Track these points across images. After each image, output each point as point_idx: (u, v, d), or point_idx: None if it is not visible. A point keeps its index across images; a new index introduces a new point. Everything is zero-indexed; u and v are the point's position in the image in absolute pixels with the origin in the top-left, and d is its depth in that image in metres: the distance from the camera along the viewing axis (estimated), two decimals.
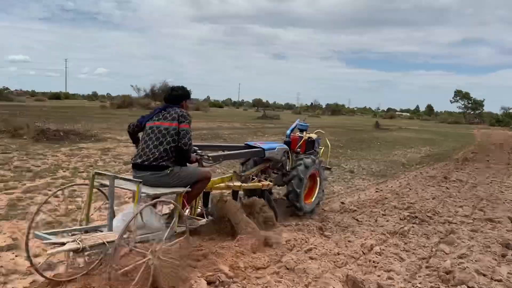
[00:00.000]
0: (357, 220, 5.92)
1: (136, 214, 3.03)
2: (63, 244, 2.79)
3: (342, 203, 6.87)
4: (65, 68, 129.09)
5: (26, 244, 3.09)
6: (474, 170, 12.09)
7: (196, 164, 4.09)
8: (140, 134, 4.08)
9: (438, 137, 27.51)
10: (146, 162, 3.77)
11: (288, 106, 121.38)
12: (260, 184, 5.27)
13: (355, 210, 6.48)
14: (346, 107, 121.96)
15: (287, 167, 5.75)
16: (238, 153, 5.24)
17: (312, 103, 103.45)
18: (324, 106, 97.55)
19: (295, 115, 59.50)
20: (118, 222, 3.25)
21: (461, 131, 39.63)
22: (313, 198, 6.00)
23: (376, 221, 5.93)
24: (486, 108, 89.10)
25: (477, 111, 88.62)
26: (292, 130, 6.29)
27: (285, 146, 5.83)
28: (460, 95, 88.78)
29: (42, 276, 3.15)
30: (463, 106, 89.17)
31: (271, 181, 5.51)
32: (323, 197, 6.33)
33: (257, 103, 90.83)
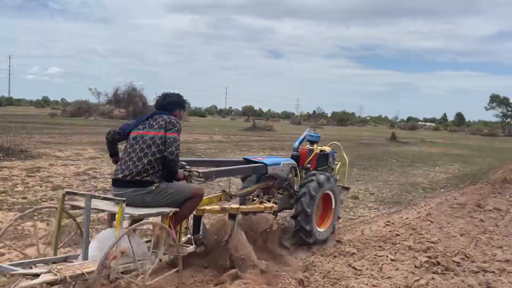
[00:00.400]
0: (354, 268, 5.31)
1: (120, 238, 3.18)
2: (36, 275, 2.90)
3: (338, 241, 6.45)
4: (9, 67, 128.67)
5: None
6: None
7: (184, 181, 4.30)
8: (121, 146, 4.28)
9: (470, 152, 27.69)
10: (128, 177, 3.93)
11: (286, 115, 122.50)
12: (262, 206, 5.37)
13: (354, 254, 5.95)
14: (357, 116, 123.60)
15: (295, 186, 5.90)
16: (234, 169, 5.29)
17: (314, 111, 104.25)
18: (329, 115, 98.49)
19: (293, 126, 60.23)
20: (94, 251, 3.41)
21: (498, 145, 39.87)
22: (327, 224, 6.13)
23: (381, 270, 5.31)
24: None
25: None
26: (300, 142, 6.43)
27: (292, 161, 5.99)
28: (497, 100, 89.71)
29: None
30: (501, 114, 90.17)
31: (275, 203, 5.65)
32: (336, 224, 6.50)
33: (248, 111, 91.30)
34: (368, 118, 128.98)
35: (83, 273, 3.05)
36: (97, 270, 3.02)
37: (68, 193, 3.78)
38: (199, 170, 4.54)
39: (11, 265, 3.25)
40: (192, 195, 4.13)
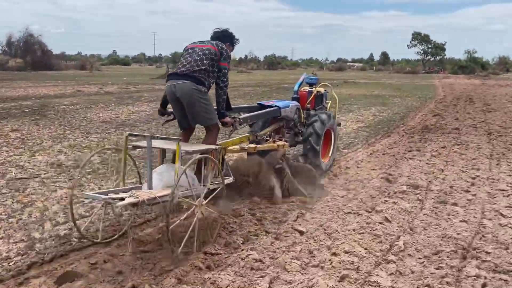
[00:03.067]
0: None
1: (185, 169, 3.71)
2: (122, 199, 3.56)
3: None
4: None
5: (71, 207, 3.93)
6: (438, 149, 8.57)
7: (230, 128, 5.02)
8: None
9: (391, 92, 25.45)
10: (185, 71, 4.52)
11: None
12: (275, 144, 5.87)
13: None
14: (289, 59, 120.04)
15: (298, 125, 6.42)
16: (261, 113, 5.79)
17: (246, 56, 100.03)
18: (262, 60, 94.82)
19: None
20: (155, 181, 3.98)
21: (420, 82, 38.40)
22: (329, 156, 6.97)
23: None
24: (449, 53, 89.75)
25: (438, 57, 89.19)
26: (300, 85, 7.01)
27: (297, 103, 6.52)
28: (418, 38, 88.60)
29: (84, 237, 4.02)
30: (422, 51, 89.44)
31: (286, 141, 6.13)
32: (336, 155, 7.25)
33: (175, 58, 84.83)
34: (299, 61, 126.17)
35: (155, 197, 3.68)
36: (171, 192, 3.56)
37: (131, 135, 4.32)
38: (240, 117, 5.15)
39: (95, 193, 3.91)
40: (215, 125, 4.70)
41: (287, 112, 6.14)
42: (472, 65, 66.13)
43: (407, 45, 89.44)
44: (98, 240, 4.02)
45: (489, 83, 36.22)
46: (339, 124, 7.59)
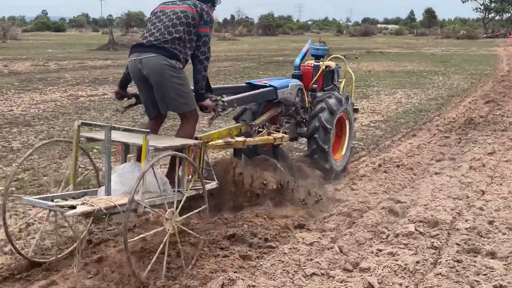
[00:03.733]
0: None
1: (147, 169, 3.95)
2: (73, 207, 3.83)
3: None
4: None
5: (4, 214, 4.27)
6: (483, 157, 8.14)
7: (212, 113, 5.28)
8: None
9: (432, 66, 25.73)
10: (154, 42, 4.79)
11: None
12: (271, 137, 6.17)
13: None
14: (295, 20, 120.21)
15: (301, 112, 6.83)
16: (251, 95, 6.13)
17: (233, 17, 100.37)
18: (256, 21, 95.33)
19: None
20: (116, 185, 4.28)
21: (477, 51, 38.78)
22: (344, 151, 7.34)
23: None
24: None
25: (506, 15, 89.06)
26: (302, 58, 7.30)
27: (299, 82, 6.84)
28: None
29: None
30: (482, 7, 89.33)
31: (285, 133, 6.50)
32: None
33: (130, 21, 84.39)
34: (309, 22, 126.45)
35: (115, 205, 3.89)
36: (129, 202, 3.77)
37: (83, 124, 4.56)
38: (223, 99, 5.38)
39: (37, 198, 4.22)
40: (192, 112, 5.02)
41: (285, 94, 6.41)
42: None
43: None
44: (36, 260, 4.39)
45: None
46: (355, 110, 7.88)
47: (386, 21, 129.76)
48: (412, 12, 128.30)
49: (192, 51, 4.90)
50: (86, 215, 3.88)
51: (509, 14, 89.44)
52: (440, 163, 7.89)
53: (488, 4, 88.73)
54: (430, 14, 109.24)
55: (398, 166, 7.72)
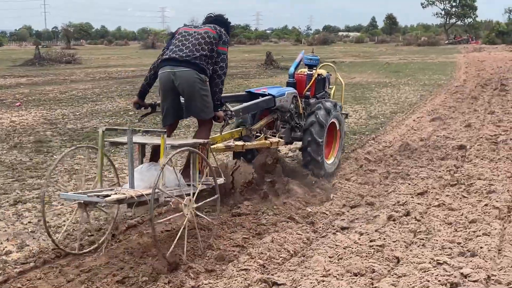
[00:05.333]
0: None
1: (167, 162, 4.76)
2: (107, 195, 4.66)
3: None
4: None
5: (43, 207, 5.09)
6: (408, 202, 6.76)
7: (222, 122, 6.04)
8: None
9: (383, 77, 25.24)
10: (186, 58, 5.58)
11: (141, 34, 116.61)
12: (267, 142, 6.98)
13: None
14: (252, 29, 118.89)
15: (296, 118, 7.58)
16: (254, 104, 6.87)
17: (186, 25, 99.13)
18: None
19: (145, 51, 54.76)
20: (137, 181, 5.00)
21: (435, 59, 39.12)
22: (334, 156, 8.09)
23: None
24: (482, 15, 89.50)
25: (467, 20, 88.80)
26: (296, 67, 8.08)
27: (294, 90, 7.62)
28: None
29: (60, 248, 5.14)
30: (442, 13, 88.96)
31: (280, 137, 7.32)
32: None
33: (75, 33, 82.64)
34: (268, 31, 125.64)
35: (142, 194, 4.68)
36: (153, 189, 4.54)
37: (108, 129, 5.44)
38: (231, 109, 6.23)
39: (75, 193, 5.06)
40: (210, 119, 5.86)
41: (282, 101, 7.18)
42: None
43: (421, 4, 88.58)
44: (75, 252, 5.11)
45: None
46: (346, 116, 8.88)
47: (348, 29, 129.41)
48: (373, 19, 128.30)
49: (212, 67, 5.68)
50: (120, 201, 4.68)
51: (471, 20, 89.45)
52: (353, 211, 6.48)
53: (449, 9, 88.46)
54: (391, 20, 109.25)
55: (294, 219, 6.10)
